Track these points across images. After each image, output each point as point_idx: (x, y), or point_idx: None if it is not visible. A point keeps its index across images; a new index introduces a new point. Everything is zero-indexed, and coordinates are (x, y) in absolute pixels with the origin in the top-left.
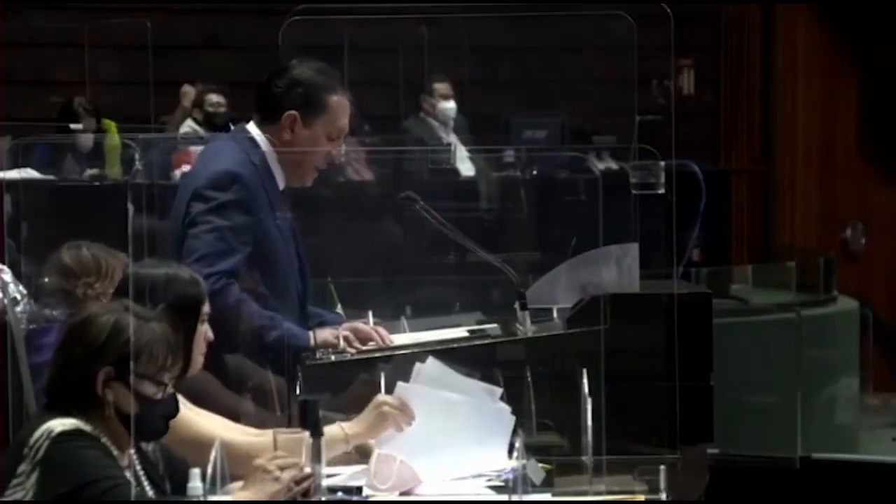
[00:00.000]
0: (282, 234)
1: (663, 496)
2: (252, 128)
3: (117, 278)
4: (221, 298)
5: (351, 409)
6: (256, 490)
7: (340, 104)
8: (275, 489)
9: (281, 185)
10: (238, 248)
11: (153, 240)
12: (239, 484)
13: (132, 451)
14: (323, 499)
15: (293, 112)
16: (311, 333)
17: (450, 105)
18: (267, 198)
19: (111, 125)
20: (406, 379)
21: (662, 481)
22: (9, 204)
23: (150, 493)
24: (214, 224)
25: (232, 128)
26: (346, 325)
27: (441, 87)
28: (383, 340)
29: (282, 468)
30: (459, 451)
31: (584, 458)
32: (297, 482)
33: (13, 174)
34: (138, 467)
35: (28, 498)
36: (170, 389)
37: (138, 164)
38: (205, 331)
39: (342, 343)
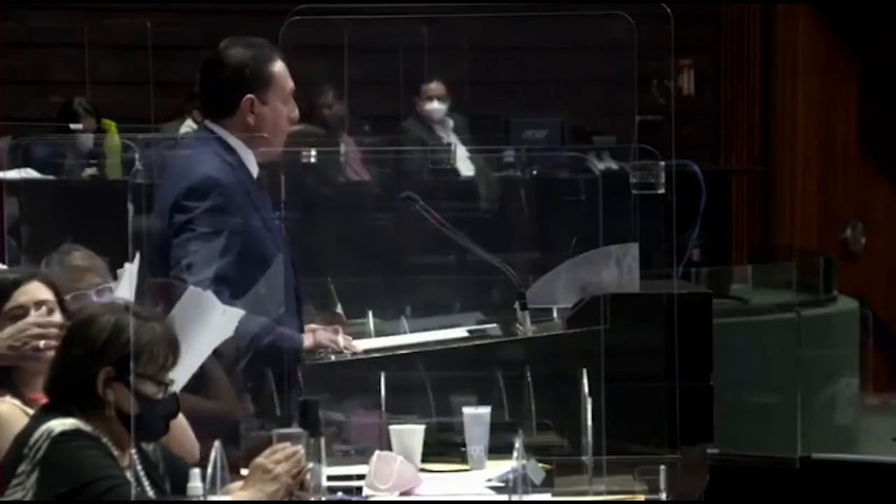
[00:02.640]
0: (270, 232)
1: (663, 496)
2: (214, 127)
3: (84, 284)
4: None
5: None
6: (256, 490)
7: (283, 69)
8: (274, 488)
9: (255, 174)
10: (224, 253)
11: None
12: (239, 484)
13: (132, 450)
14: (323, 499)
15: (250, 95)
16: (304, 336)
17: (434, 106)
18: (248, 196)
19: (111, 125)
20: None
21: (662, 481)
22: (15, 207)
23: (150, 493)
24: (198, 232)
25: None
26: (310, 328)
27: (427, 88)
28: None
29: (278, 462)
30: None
31: (584, 458)
32: (294, 476)
33: (13, 174)
34: (139, 467)
35: (28, 498)
36: (171, 389)
37: (138, 164)
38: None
39: (341, 345)
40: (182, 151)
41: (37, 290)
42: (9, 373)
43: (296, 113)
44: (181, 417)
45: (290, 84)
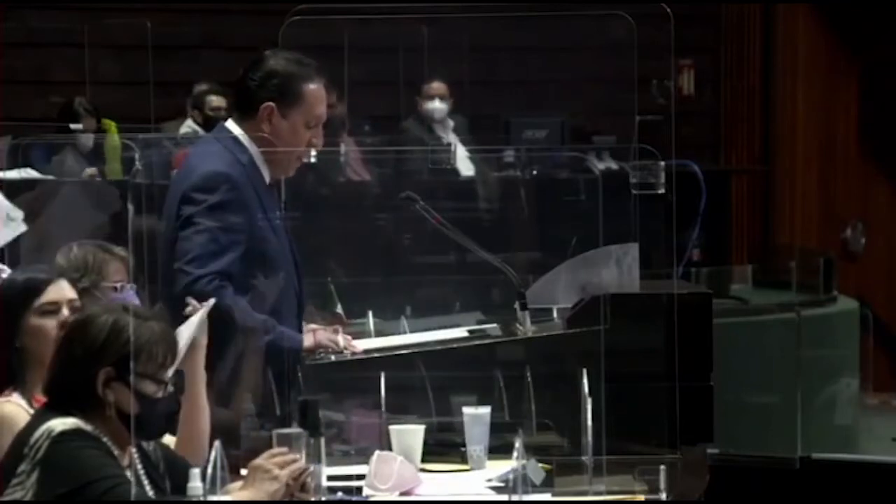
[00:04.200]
0: (275, 233)
1: (663, 496)
2: (233, 126)
3: (108, 272)
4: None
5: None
6: (256, 490)
7: (316, 92)
8: (274, 488)
9: (267, 180)
10: (230, 249)
11: (153, 239)
12: (238, 484)
13: (133, 450)
14: (323, 499)
15: (270, 104)
16: (304, 336)
17: (436, 105)
18: (256, 196)
19: (111, 125)
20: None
21: (662, 481)
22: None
23: (151, 492)
24: (205, 226)
25: None
26: (310, 328)
27: (429, 87)
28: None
29: (280, 466)
30: None
31: (584, 458)
32: (295, 478)
33: (13, 174)
34: (139, 467)
35: (28, 498)
36: (170, 388)
37: (138, 164)
38: (51, 323)
39: (341, 344)
40: (194, 147)
41: (67, 289)
42: (22, 371)
43: (318, 142)
44: (206, 422)
45: (321, 111)
